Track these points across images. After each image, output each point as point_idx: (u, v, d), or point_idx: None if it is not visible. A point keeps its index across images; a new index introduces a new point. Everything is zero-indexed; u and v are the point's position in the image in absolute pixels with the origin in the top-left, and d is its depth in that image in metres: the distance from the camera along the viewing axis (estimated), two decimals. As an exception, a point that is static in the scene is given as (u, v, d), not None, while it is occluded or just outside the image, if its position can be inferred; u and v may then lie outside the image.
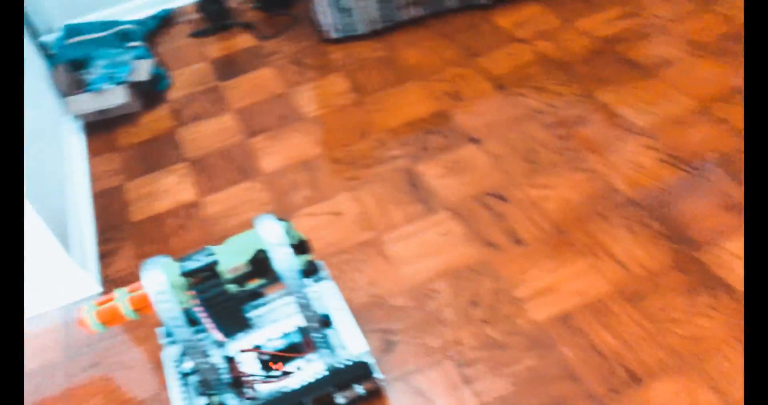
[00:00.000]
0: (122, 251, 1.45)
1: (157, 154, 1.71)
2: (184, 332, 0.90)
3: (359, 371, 1.05)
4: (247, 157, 1.62)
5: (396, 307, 1.18)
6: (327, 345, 1.03)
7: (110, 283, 1.38)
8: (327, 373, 1.06)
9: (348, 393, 1.04)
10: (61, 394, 1.18)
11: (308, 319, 0.98)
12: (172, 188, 1.58)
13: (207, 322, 0.99)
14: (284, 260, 0.92)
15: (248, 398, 1.03)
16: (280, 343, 1.12)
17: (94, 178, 1.69)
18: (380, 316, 1.17)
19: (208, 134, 1.73)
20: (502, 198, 1.33)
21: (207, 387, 1.05)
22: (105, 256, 1.45)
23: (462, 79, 1.69)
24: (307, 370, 1.08)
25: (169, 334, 1.16)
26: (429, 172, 1.44)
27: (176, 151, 1.70)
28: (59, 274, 1.33)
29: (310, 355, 1.09)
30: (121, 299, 0.92)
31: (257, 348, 1.10)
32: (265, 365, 1.10)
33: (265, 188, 1.52)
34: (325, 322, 1.14)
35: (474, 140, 1.49)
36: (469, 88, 1.65)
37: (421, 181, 1.43)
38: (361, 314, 1.17)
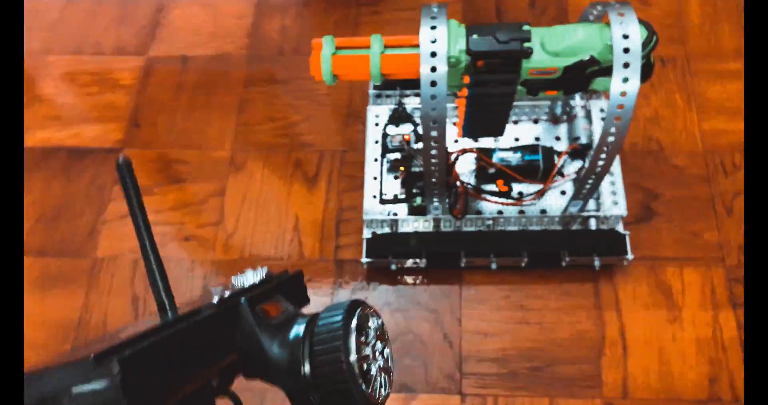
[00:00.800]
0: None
1: None
2: (435, 126, 0.63)
3: (608, 241, 0.79)
4: None
5: (675, 167, 0.87)
6: (590, 191, 0.75)
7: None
8: (561, 226, 0.81)
9: (580, 259, 0.80)
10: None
11: (593, 161, 0.69)
12: None
13: (459, 115, 0.71)
14: (626, 90, 0.59)
15: (454, 212, 0.80)
16: (513, 158, 0.84)
17: None
18: (649, 170, 0.87)
19: None
20: None
21: (412, 179, 0.82)
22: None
23: None
24: (530, 206, 0.83)
25: (378, 87, 0.89)
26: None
27: None
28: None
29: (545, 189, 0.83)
30: (376, 52, 0.63)
31: (483, 153, 0.83)
32: (483, 176, 0.84)
33: None
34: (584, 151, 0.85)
35: None
36: None
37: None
38: (626, 159, 0.87)
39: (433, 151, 0.65)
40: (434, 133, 0.63)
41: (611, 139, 0.63)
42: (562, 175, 0.83)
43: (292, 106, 0.94)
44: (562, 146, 0.87)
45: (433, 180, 0.71)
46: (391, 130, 0.86)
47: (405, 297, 0.82)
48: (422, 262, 0.80)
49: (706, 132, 0.89)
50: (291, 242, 0.86)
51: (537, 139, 0.88)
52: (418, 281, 0.82)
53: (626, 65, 0.58)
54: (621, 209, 0.80)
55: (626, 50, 0.58)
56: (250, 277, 0.40)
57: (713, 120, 0.89)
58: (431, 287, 0.82)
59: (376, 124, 0.87)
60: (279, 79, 0.96)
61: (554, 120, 0.88)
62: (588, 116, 0.85)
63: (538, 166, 0.82)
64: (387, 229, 0.82)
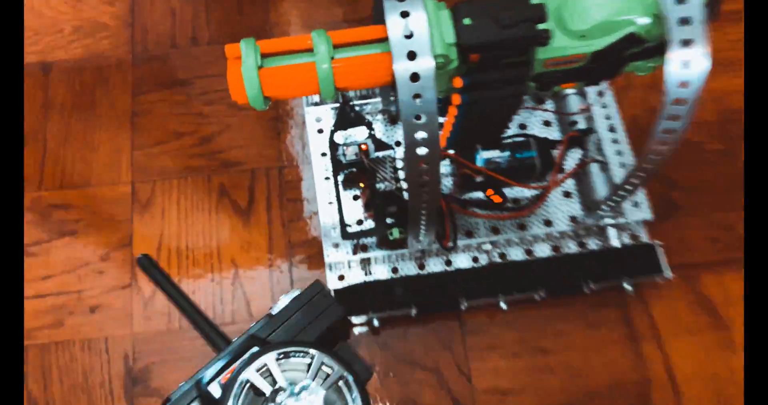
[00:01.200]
0: None
1: None
2: (426, 155, 0.43)
3: (637, 258, 0.63)
4: None
5: (689, 142, 0.71)
6: (617, 200, 0.58)
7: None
8: (575, 240, 0.64)
9: (605, 283, 0.63)
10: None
11: (633, 173, 0.52)
12: None
13: (445, 126, 0.52)
14: (688, 79, 0.41)
15: (443, 242, 0.61)
16: (501, 158, 0.65)
17: None
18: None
19: None
20: None
21: (381, 204, 0.63)
22: None
23: None
24: (531, 217, 0.65)
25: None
26: None
27: None
28: None
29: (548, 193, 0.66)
30: (324, 57, 0.42)
31: (464, 156, 0.64)
32: (466, 185, 0.66)
33: None
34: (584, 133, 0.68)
35: None
36: None
37: None
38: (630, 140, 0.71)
39: (425, 188, 0.46)
40: (425, 165, 0.44)
41: (662, 147, 0.47)
42: (561, 171, 0.66)
43: (201, 114, 0.72)
44: (554, 133, 0.69)
45: (423, 217, 0.52)
46: (340, 137, 0.66)
47: (394, 355, 0.63)
48: (412, 311, 0.62)
49: (717, 93, 0.73)
50: (233, 299, 0.65)
51: (522, 127, 0.70)
52: (408, 333, 0.64)
53: (686, 43, 0.40)
54: (645, 212, 0.64)
55: (684, 21, 0.40)
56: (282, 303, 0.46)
57: (721, 77, 0.73)
58: (427, 338, 0.64)
59: (320, 131, 0.67)
60: (178, 80, 0.73)
61: (538, 100, 0.70)
62: (581, 91, 0.68)
63: (533, 164, 0.64)
64: (357, 270, 0.63)
